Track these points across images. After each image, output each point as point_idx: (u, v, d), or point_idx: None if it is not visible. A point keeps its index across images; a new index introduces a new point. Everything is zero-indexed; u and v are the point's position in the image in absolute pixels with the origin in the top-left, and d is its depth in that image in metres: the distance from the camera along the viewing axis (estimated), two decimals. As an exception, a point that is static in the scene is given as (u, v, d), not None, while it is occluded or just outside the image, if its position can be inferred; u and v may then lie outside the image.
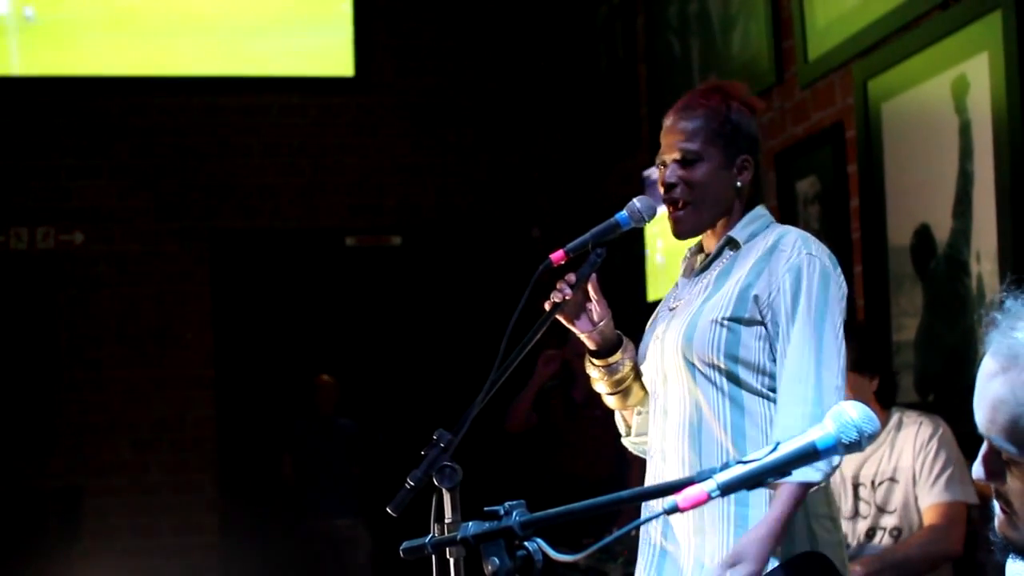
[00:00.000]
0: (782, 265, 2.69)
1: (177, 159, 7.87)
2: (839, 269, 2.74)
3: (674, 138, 2.82)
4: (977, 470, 1.59)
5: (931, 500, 3.80)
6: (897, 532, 3.84)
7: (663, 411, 2.81)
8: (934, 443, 3.82)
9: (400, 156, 8.07)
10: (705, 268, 2.85)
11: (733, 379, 2.70)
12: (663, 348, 2.80)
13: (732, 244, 2.81)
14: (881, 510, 3.86)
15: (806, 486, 2.58)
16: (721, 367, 2.70)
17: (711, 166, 2.80)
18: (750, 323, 2.69)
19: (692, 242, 2.94)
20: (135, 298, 7.79)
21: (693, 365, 2.73)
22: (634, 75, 7.05)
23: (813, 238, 2.76)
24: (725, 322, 2.70)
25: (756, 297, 2.69)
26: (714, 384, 2.71)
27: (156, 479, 7.72)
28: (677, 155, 2.81)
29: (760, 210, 2.85)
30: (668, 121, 2.86)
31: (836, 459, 2.51)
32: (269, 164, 7.96)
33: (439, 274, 8.15)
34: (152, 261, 7.82)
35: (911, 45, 4.20)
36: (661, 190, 2.84)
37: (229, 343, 7.91)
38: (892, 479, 3.87)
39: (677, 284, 2.93)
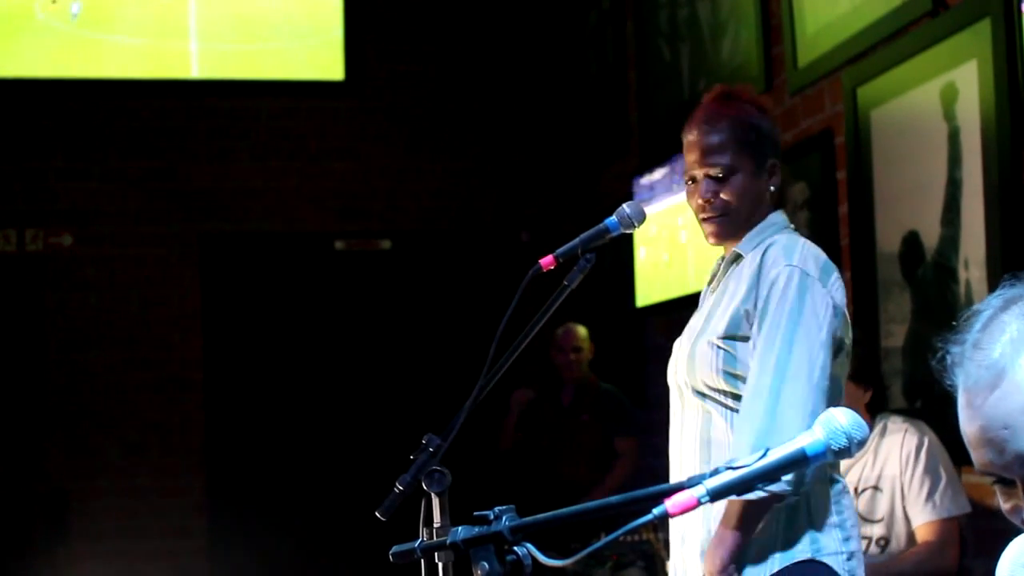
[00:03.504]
0: (765, 280, 2.67)
1: (166, 162, 7.85)
2: (833, 276, 2.70)
3: (703, 153, 2.81)
4: None
5: (924, 518, 3.73)
6: (884, 542, 3.79)
7: (680, 425, 2.82)
8: (923, 456, 3.75)
9: (389, 160, 8.06)
10: (719, 279, 2.86)
11: (736, 396, 2.69)
12: (677, 366, 2.82)
13: (738, 258, 2.80)
14: (865, 519, 3.78)
15: (756, 501, 2.56)
16: (724, 388, 2.71)
17: (744, 177, 2.80)
18: (744, 339, 2.69)
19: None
20: (124, 301, 7.77)
21: (700, 385, 2.74)
22: (624, 80, 7.05)
23: (801, 246, 2.73)
24: (721, 342, 2.70)
25: (747, 312, 2.68)
26: (720, 402, 2.72)
27: (144, 482, 7.70)
28: (711, 171, 2.80)
29: (773, 217, 2.84)
30: (692, 136, 2.84)
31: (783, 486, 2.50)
32: (258, 167, 7.94)
33: (428, 278, 8.14)
34: (141, 264, 7.80)
35: (900, 52, 4.20)
36: (694, 205, 2.85)
37: (218, 346, 7.89)
38: (876, 487, 3.81)
39: (703, 292, 2.95)
